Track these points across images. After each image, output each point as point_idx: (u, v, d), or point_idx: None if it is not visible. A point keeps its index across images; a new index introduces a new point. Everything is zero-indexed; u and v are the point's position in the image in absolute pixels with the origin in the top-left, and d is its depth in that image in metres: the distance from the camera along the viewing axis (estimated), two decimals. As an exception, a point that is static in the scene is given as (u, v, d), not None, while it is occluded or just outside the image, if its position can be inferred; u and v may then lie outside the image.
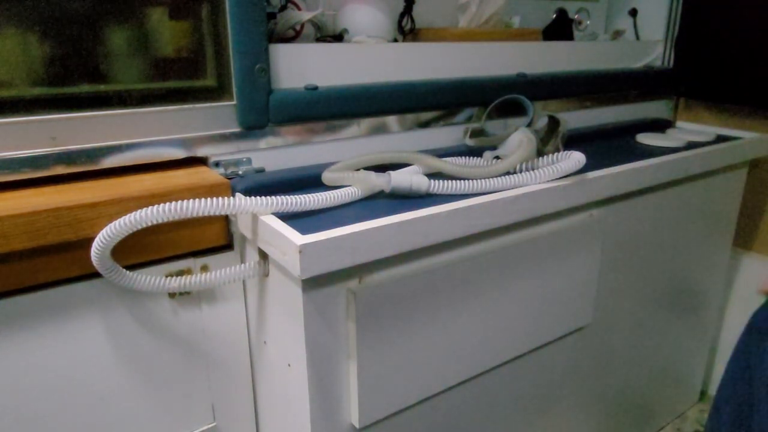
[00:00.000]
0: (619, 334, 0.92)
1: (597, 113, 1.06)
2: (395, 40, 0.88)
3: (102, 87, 0.57)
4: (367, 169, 0.66)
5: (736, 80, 1.07)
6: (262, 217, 0.56)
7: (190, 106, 0.62)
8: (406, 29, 0.93)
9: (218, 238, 0.63)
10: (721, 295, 1.16)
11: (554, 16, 1.14)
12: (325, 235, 0.50)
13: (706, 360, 1.19)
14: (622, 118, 1.11)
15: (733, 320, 1.20)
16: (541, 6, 1.15)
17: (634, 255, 0.89)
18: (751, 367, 0.65)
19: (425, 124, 0.81)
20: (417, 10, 0.95)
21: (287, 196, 0.56)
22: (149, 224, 0.50)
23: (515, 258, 0.69)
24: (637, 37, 1.20)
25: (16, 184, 0.56)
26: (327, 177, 0.64)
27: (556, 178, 0.68)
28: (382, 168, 0.66)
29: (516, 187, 0.65)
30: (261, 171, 0.68)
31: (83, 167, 0.58)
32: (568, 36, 1.13)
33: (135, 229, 0.50)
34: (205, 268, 0.63)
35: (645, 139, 0.97)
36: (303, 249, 0.49)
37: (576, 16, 1.19)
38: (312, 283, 0.54)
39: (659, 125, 1.11)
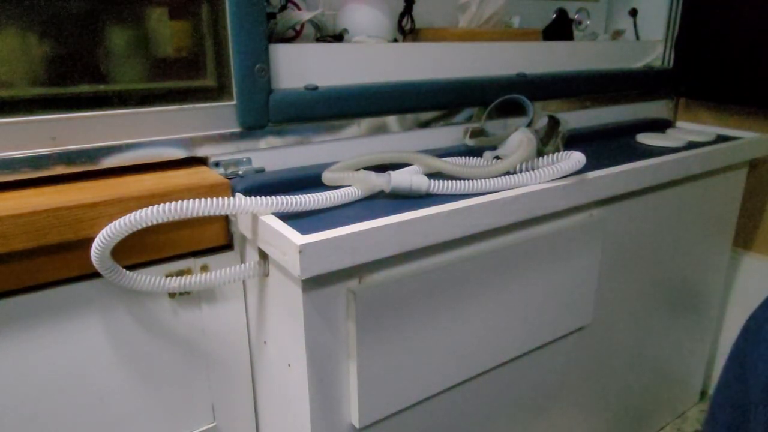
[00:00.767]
0: (619, 334, 0.92)
1: (597, 113, 1.06)
2: (395, 40, 0.88)
3: (102, 87, 0.57)
4: (367, 169, 0.66)
5: (736, 80, 1.07)
6: (262, 217, 0.56)
7: (190, 106, 0.62)
8: (406, 29, 0.93)
9: (218, 238, 0.63)
10: (721, 295, 1.16)
11: (554, 16, 1.14)
12: (325, 235, 0.50)
13: (706, 360, 1.19)
14: (622, 118, 1.11)
15: (733, 320, 1.20)
16: (541, 6, 1.15)
17: (634, 255, 0.89)
18: (747, 372, 0.65)
19: (425, 124, 0.81)
20: (417, 10, 0.95)
21: (287, 196, 0.56)
22: (149, 224, 0.50)
23: (515, 258, 0.69)
24: (637, 37, 1.20)
25: (16, 184, 0.56)
26: (327, 177, 0.64)
27: (556, 178, 0.68)
28: (382, 168, 0.66)
29: (516, 187, 0.65)
30: (261, 171, 0.68)
31: (83, 167, 0.58)
32: (568, 36, 1.13)
33: (135, 229, 0.50)
34: (205, 268, 0.63)
35: (645, 139, 0.97)
36: (303, 249, 0.49)
37: (576, 16, 1.19)
38: (312, 283, 0.54)
39: (659, 125, 1.11)
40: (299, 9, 0.78)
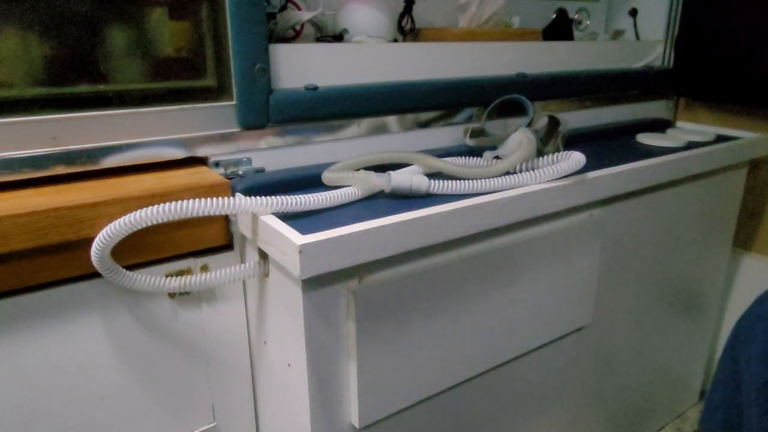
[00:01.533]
0: (619, 334, 0.92)
1: (597, 113, 1.06)
2: (395, 40, 0.88)
3: (102, 87, 0.57)
4: (367, 169, 0.66)
5: (736, 80, 1.07)
6: (262, 217, 0.56)
7: (190, 106, 0.62)
8: (406, 29, 0.93)
9: (218, 238, 0.63)
10: (721, 295, 1.16)
11: (554, 16, 1.14)
12: (325, 235, 0.50)
13: (706, 360, 1.19)
14: (622, 118, 1.11)
15: (732, 320, 1.20)
16: (541, 6, 1.15)
17: (634, 255, 0.89)
18: (739, 372, 0.65)
19: (425, 124, 0.81)
20: (417, 10, 0.95)
21: (287, 196, 0.56)
22: (149, 224, 0.50)
23: (515, 258, 0.69)
24: (637, 37, 1.20)
25: (16, 184, 0.56)
26: (327, 177, 0.64)
27: (556, 178, 0.68)
28: (382, 168, 0.66)
29: (516, 187, 0.65)
30: (261, 171, 0.68)
31: (83, 167, 0.58)
32: (568, 36, 1.13)
33: (135, 229, 0.50)
34: (205, 268, 0.63)
35: (645, 139, 0.97)
36: (303, 249, 0.49)
37: (576, 16, 1.19)
38: (312, 283, 0.54)
39: (659, 125, 1.11)
40: (299, 9, 0.78)
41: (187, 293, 0.63)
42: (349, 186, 0.63)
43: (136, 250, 0.57)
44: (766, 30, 1.02)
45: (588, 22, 1.20)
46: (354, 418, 0.61)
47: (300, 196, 0.57)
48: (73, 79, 0.56)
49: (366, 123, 0.75)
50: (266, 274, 0.61)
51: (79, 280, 0.56)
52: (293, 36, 0.78)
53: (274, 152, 0.69)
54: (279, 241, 0.52)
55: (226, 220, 0.63)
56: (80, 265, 0.55)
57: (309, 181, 0.67)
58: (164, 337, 0.63)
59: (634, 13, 1.20)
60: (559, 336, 0.80)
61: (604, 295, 0.86)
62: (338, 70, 0.72)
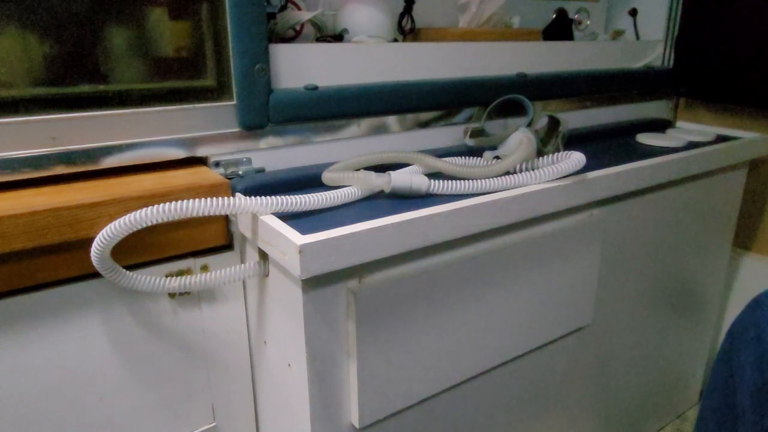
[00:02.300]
0: (619, 334, 0.92)
1: (597, 113, 1.06)
2: (395, 40, 0.88)
3: (102, 87, 0.57)
4: (367, 169, 0.66)
5: (736, 80, 1.07)
6: (262, 217, 0.56)
7: (190, 106, 0.62)
8: (406, 29, 0.93)
9: (218, 238, 0.63)
10: (721, 295, 1.16)
11: (554, 16, 1.14)
12: (325, 235, 0.50)
13: (706, 360, 1.19)
14: (622, 118, 1.11)
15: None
16: (541, 6, 1.15)
17: (634, 255, 0.89)
18: (734, 377, 0.65)
19: (425, 124, 0.81)
20: (417, 10, 0.95)
21: (287, 196, 0.56)
22: (149, 224, 0.50)
23: (515, 258, 0.69)
24: (637, 37, 1.20)
25: (16, 184, 0.56)
26: (327, 177, 0.64)
27: (556, 178, 0.68)
28: (382, 168, 0.66)
29: (516, 187, 0.65)
30: (261, 171, 0.68)
31: (83, 167, 0.58)
32: (568, 36, 1.13)
33: (135, 229, 0.50)
34: (205, 268, 0.63)
35: (645, 139, 0.97)
36: (303, 249, 0.49)
37: (576, 16, 1.19)
38: (312, 283, 0.54)
39: (659, 125, 1.11)
40: (299, 9, 0.78)
41: (187, 293, 0.63)
42: (349, 186, 0.63)
43: (136, 250, 0.57)
44: (766, 30, 1.02)
45: (588, 22, 1.20)
46: (354, 418, 0.61)
47: (300, 196, 0.57)
48: (73, 79, 0.56)
49: (366, 123, 0.75)
50: (266, 274, 0.61)
51: (79, 280, 0.56)
52: (293, 36, 0.78)
53: (274, 152, 0.69)
54: (279, 241, 0.52)
55: (226, 220, 0.63)
56: (80, 265, 0.55)
57: (309, 181, 0.67)
58: (164, 337, 0.63)
59: (634, 13, 1.20)
60: (559, 336, 0.80)
61: (604, 295, 0.86)
62: (338, 70, 0.72)
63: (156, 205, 0.50)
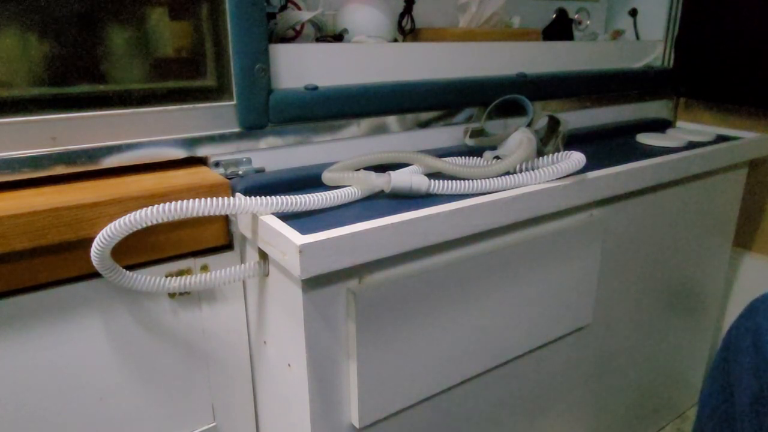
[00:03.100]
0: (619, 334, 0.92)
1: (597, 113, 1.06)
2: (395, 40, 0.88)
3: (102, 87, 0.57)
4: (367, 169, 0.66)
5: (736, 80, 1.07)
6: (262, 217, 0.56)
7: (190, 106, 0.62)
8: (406, 29, 0.93)
9: (218, 238, 0.63)
10: (721, 295, 1.16)
11: (554, 16, 1.14)
12: (325, 235, 0.50)
13: (706, 360, 1.19)
14: (622, 118, 1.11)
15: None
16: (541, 6, 1.15)
17: (634, 255, 0.89)
18: (732, 383, 0.65)
19: (425, 124, 0.81)
20: (417, 10, 0.95)
21: (287, 196, 0.56)
22: (149, 224, 0.50)
23: (515, 258, 0.69)
24: (637, 37, 1.20)
25: (16, 184, 0.56)
26: (327, 177, 0.64)
27: (556, 178, 0.68)
28: (382, 168, 0.66)
29: (516, 187, 0.65)
30: (261, 171, 0.68)
31: (83, 167, 0.58)
32: (568, 36, 1.13)
33: (135, 229, 0.50)
34: (205, 268, 0.63)
35: (645, 139, 0.97)
36: (303, 249, 0.49)
37: (576, 16, 1.19)
38: (312, 283, 0.54)
39: (659, 125, 1.11)
40: (299, 9, 0.78)
41: (187, 293, 0.63)
42: (349, 186, 0.63)
43: (136, 250, 0.57)
44: (766, 30, 1.02)
45: (588, 22, 1.20)
46: (354, 418, 0.61)
47: (300, 196, 0.57)
48: (73, 79, 0.56)
49: (366, 123, 0.75)
50: (266, 274, 0.61)
51: (79, 280, 0.56)
52: (293, 36, 0.78)
53: (274, 152, 0.69)
54: (279, 241, 0.52)
55: (226, 220, 0.63)
56: (80, 265, 0.55)
57: (309, 181, 0.67)
58: (164, 337, 0.63)
59: (634, 13, 1.20)
60: (559, 336, 0.80)
61: (604, 295, 0.86)
62: (338, 70, 0.72)
63: (156, 205, 0.50)
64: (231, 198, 0.53)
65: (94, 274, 0.54)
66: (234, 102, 0.64)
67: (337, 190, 0.61)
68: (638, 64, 1.13)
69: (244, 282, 0.67)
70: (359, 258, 0.53)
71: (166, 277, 0.57)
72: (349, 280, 0.56)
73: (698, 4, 1.11)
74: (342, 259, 0.52)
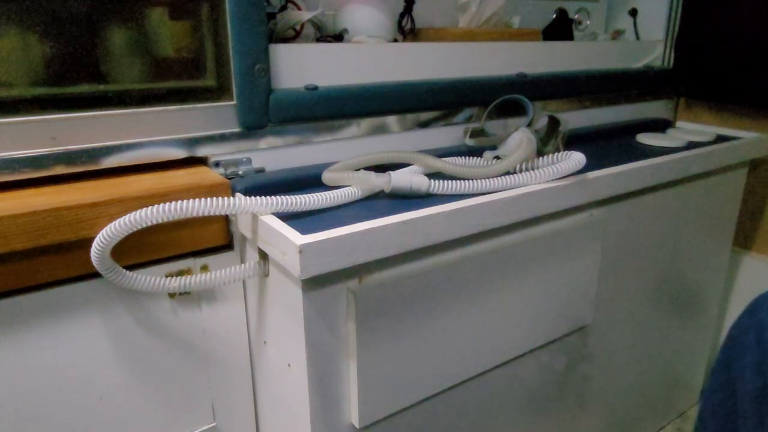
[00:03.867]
0: (619, 334, 0.92)
1: (597, 113, 1.06)
2: (395, 40, 0.88)
3: (102, 87, 0.57)
4: (367, 169, 0.66)
5: (736, 80, 1.07)
6: (262, 217, 0.56)
7: (190, 106, 0.62)
8: (406, 29, 0.93)
9: (218, 238, 0.63)
10: (721, 295, 1.16)
11: (554, 16, 1.14)
12: (325, 235, 0.50)
13: (706, 360, 1.19)
14: (622, 118, 1.11)
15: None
16: (541, 6, 1.15)
17: (634, 255, 0.89)
18: (734, 381, 0.65)
19: (425, 124, 0.81)
20: (417, 10, 0.95)
21: (287, 196, 0.56)
22: (149, 224, 0.50)
23: (515, 258, 0.69)
24: (637, 37, 1.20)
25: (16, 184, 0.56)
26: (327, 177, 0.64)
27: (556, 178, 0.68)
28: (382, 168, 0.66)
29: (516, 187, 0.65)
30: (261, 171, 0.68)
31: (83, 167, 0.58)
32: (568, 36, 1.13)
33: (135, 229, 0.50)
34: (205, 268, 0.63)
35: (645, 139, 0.97)
36: (303, 249, 0.49)
37: (576, 16, 1.19)
38: (312, 283, 0.54)
39: (659, 125, 1.11)
40: (299, 9, 0.78)
41: (187, 293, 0.63)
42: (349, 186, 0.63)
43: (136, 250, 0.57)
44: (766, 30, 1.02)
45: (588, 22, 1.20)
46: (354, 418, 0.61)
47: (300, 196, 0.57)
48: (73, 79, 0.56)
49: (366, 123, 0.75)
50: (266, 274, 0.61)
51: (79, 280, 0.56)
52: (293, 36, 0.78)
53: (274, 152, 0.69)
54: (279, 241, 0.52)
55: (226, 220, 0.63)
56: (80, 265, 0.55)
57: (309, 181, 0.67)
58: (164, 337, 0.63)
59: (634, 13, 1.20)
60: (559, 336, 0.80)
61: (604, 295, 0.86)
62: (338, 70, 0.72)
63: (156, 205, 0.50)
64: (231, 198, 0.53)
65: (94, 274, 0.54)
66: (234, 102, 0.64)
67: (337, 190, 0.61)
68: (638, 64, 1.13)
69: (244, 282, 0.67)
70: (359, 258, 0.53)
71: (166, 277, 0.57)
72: (349, 280, 0.56)
73: (698, 4, 1.11)
74: (342, 259, 0.52)
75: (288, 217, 0.57)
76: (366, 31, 0.83)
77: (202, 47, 0.61)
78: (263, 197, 0.55)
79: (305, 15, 0.77)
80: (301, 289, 0.53)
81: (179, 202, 0.51)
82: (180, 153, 0.63)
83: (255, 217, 0.57)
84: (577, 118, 1.02)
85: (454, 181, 0.64)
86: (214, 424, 0.69)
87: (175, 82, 0.61)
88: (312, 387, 0.57)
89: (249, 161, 0.67)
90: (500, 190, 0.64)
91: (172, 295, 0.62)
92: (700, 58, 1.12)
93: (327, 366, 0.58)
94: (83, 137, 0.57)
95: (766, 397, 0.59)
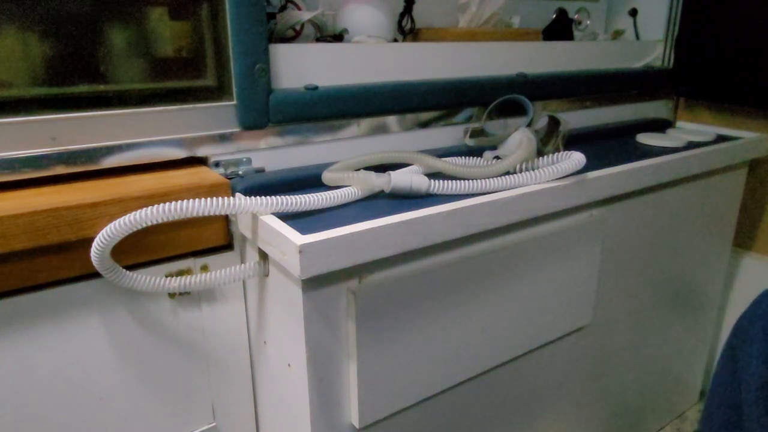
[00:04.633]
0: (619, 334, 0.92)
1: (597, 113, 1.06)
2: (395, 40, 0.88)
3: (102, 87, 0.57)
4: (367, 169, 0.66)
5: (736, 80, 1.07)
6: (262, 217, 0.56)
7: (190, 106, 0.62)
8: (406, 29, 0.93)
9: (218, 238, 0.63)
10: (721, 295, 1.16)
11: (554, 16, 1.14)
12: (325, 235, 0.50)
13: (706, 360, 1.19)
14: (622, 118, 1.11)
15: (732, 320, 1.20)
16: (541, 6, 1.15)
17: (634, 255, 0.89)
18: (739, 373, 0.65)
19: (425, 124, 0.81)
20: (417, 10, 0.95)
21: (287, 196, 0.56)
22: (149, 224, 0.50)
23: (515, 258, 0.69)
24: (637, 37, 1.20)
25: (16, 184, 0.56)
26: (327, 177, 0.64)
27: (556, 178, 0.68)
28: (382, 168, 0.66)
29: (516, 187, 0.65)
30: (261, 171, 0.68)
31: (83, 167, 0.58)
32: (568, 36, 1.13)
33: (135, 229, 0.50)
34: (205, 268, 0.63)
35: (645, 139, 0.97)
36: (303, 249, 0.49)
37: (576, 16, 1.19)
38: (312, 283, 0.54)
39: (659, 125, 1.11)
40: (299, 9, 0.78)
41: (187, 293, 0.63)
42: (349, 186, 0.63)
43: (136, 250, 0.57)
44: (766, 30, 1.02)
45: (588, 22, 1.20)
46: (354, 418, 0.61)
47: (300, 196, 0.57)
48: (73, 79, 0.56)
49: (366, 123, 0.75)
50: (266, 274, 0.61)
51: (79, 280, 0.56)
52: (293, 36, 0.78)
53: (274, 152, 0.69)
54: (279, 241, 0.52)
55: (226, 220, 0.63)
56: (80, 265, 0.55)
57: (309, 181, 0.67)
58: (164, 337, 0.63)
59: (634, 13, 1.20)
60: (559, 336, 0.80)
61: (604, 295, 0.86)
62: (338, 70, 0.72)
63: (156, 205, 0.50)
64: (231, 198, 0.53)
65: (94, 274, 0.54)
66: (234, 102, 0.64)
67: (337, 190, 0.61)
68: (638, 64, 1.13)
69: (244, 282, 0.67)
70: (359, 258, 0.53)
71: (166, 277, 0.57)
72: (349, 280, 0.56)
73: (698, 4, 1.11)
74: (342, 259, 0.52)
75: (288, 217, 0.57)
76: (366, 31, 0.83)
77: (202, 47, 0.61)
78: (263, 197, 0.55)
79: (305, 15, 0.77)
80: (301, 289, 0.53)
81: (179, 202, 0.51)
82: (180, 153, 0.63)
83: (255, 217, 0.57)
84: (577, 118, 1.02)
85: (454, 181, 0.64)
86: (214, 424, 0.69)
87: (175, 82, 0.61)
88: (312, 387, 0.57)
89: (249, 161, 0.67)
90: (500, 190, 0.64)
91: (172, 295, 0.62)
92: (700, 58, 1.12)
93: (327, 366, 0.58)
94: (83, 137, 0.57)
95: None
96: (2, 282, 0.51)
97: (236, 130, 0.65)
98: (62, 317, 0.56)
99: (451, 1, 1.00)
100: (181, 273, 0.61)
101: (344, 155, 0.74)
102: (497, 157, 0.73)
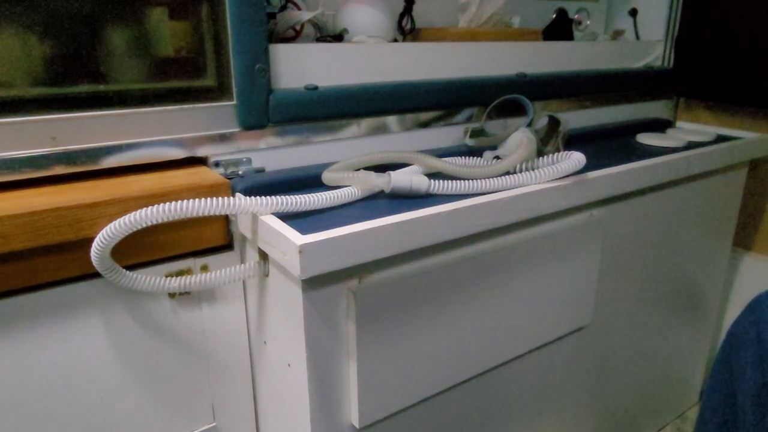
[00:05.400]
0: (619, 335, 0.92)
1: (597, 113, 1.06)
2: (395, 40, 0.88)
3: (102, 87, 0.57)
4: (367, 169, 0.66)
5: (736, 80, 1.07)
6: (262, 217, 0.56)
7: (190, 106, 0.62)
8: (406, 29, 0.93)
9: (218, 238, 0.63)
10: (721, 295, 1.16)
11: (554, 16, 1.14)
12: (325, 235, 0.50)
13: (706, 360, 1.19)
14: (622, 118, 1.11)
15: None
16: (541, 6, 1.15)
17: (634, 255, 0.89)
18: (734, 377, 0.65)
19: (425, 124, 0.81)
20: (417, 10, 0.95)
21: (287, 196, 0.56)
22: (149, 224, 0.50)
23: (515, 258, 0.69)
24: (637, 37, 1.20)
25: (16, 184, 0.56)
26: (327, 177, 0.64)
27: (556, 178, 0.68)
28: (382, 168, 0.66)
29: (516, 187, 0.65)
30: (261, 171, 0.68)
31: (83, 167, 0.58)
32: (568, 36, 1.13)
33: (135, 229, 0.50)
34: (205, 268, 0.63)
35: (645, 139, 0.97)
36: (303, 249, 0.49)
37: (576, 16, 1.19)
38: (312, 283, 0.54)
39: (659, 125, 1.11)
40: (299, 9, 0.78)
41: (187, 293, 0.63)
42: (349, 186, 0.63)
43: (136, 250, 0.57)
44: (766, 30, 1.02)
45: (588, 22, 1.20)
46: (354, 418, 0.61)
47: (300, 196, 0.57)
48: (73, 79, 0.56)
49: (366, 123, 0.75)
50: (266, 274, 0.61)
51: (79, 280, 0.56)
52: (293, 36, 0.78)
53: (274, 152, 0.69)
54: (279, 241, 0.52)
55: (226, 220, 0.63)
56: (80, 265, 0.55)
57: (309, 181, 0.67)
58: (164, 337, 0.63)
59: (634, 13, 1.20)
60: (559, 336, 0.80)
61: (604, 295, 0.86)
62: (338, 70, 0.72)
63: (156, 205, 0.50)
64: (231, 198, 0.53)
65: (94, 274, 0.54)
66: (234, 102, 0.64)
67: (337, 190, 0.61)
68: (638, 64, 1.13)
69: (244, 282, 0.67)
70: (359, 258, 0.53)
71: (166, 277, 0.57)
72: (349, 280, 0.56)
73: (698, 4, 1.11)
74: (342, 259, 0.52)
75: (288, 217, 0.57)
76: (366, 31, 0.83)
77: (202, 47, 0.61)
78: (263, 197, 0.55)
79: (305, 15, 0.77)
80: (301, 289, 0.53)
81: (179, 202, 0.51)
82: (180, 153, 0.63)
83: (255, 217, 0.57)
84: (577, 118, 1.02)
85: (454, 181, 0.64)
86: (214, 424, 0.69)
87: (175, 82, 0.61)
88: (312, 387, 0.57)
89: (249, 161, 0.67)
90: (500, 190, 0.64)
91: (172, 295, 0.62)
92: (700, 58, 1.12)
93: (327, 366, 0.58)
94: (83, 137, 0.57)
95: (766, 393, 0.59)
96: (2, 282, 0.51)
97: (236, 130, 0.65)
98: (62, 317, 0.56)
99: (451, 1, 1.00)
100: (181, 273, 0.61)
101: (344, 155, 0.74)
102: (497, 157, 0.73)
